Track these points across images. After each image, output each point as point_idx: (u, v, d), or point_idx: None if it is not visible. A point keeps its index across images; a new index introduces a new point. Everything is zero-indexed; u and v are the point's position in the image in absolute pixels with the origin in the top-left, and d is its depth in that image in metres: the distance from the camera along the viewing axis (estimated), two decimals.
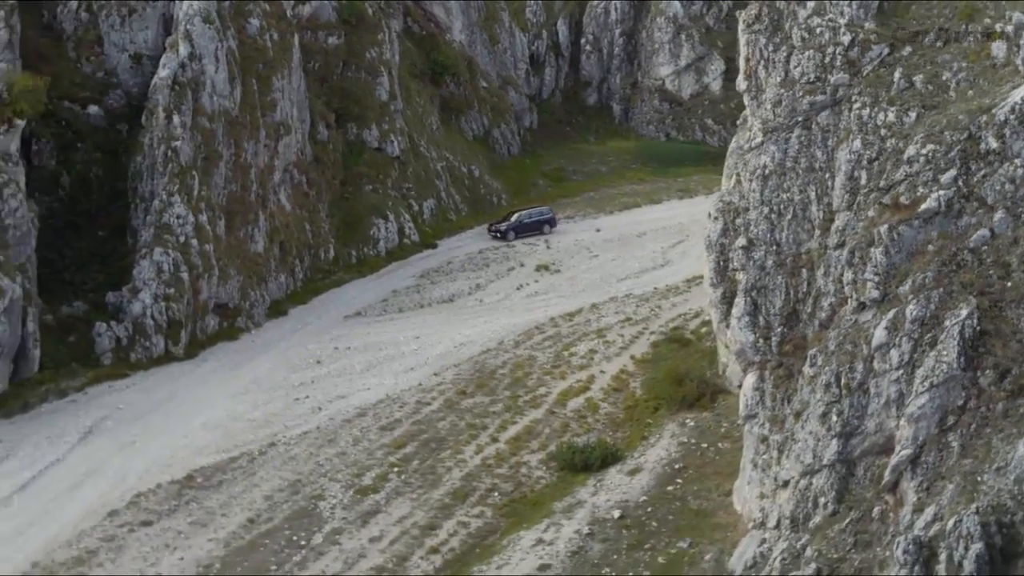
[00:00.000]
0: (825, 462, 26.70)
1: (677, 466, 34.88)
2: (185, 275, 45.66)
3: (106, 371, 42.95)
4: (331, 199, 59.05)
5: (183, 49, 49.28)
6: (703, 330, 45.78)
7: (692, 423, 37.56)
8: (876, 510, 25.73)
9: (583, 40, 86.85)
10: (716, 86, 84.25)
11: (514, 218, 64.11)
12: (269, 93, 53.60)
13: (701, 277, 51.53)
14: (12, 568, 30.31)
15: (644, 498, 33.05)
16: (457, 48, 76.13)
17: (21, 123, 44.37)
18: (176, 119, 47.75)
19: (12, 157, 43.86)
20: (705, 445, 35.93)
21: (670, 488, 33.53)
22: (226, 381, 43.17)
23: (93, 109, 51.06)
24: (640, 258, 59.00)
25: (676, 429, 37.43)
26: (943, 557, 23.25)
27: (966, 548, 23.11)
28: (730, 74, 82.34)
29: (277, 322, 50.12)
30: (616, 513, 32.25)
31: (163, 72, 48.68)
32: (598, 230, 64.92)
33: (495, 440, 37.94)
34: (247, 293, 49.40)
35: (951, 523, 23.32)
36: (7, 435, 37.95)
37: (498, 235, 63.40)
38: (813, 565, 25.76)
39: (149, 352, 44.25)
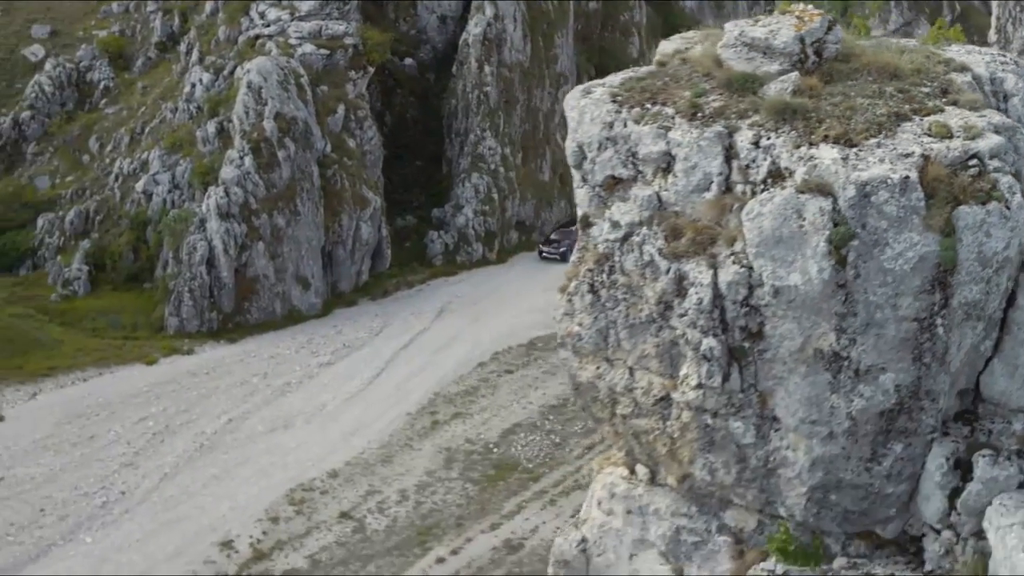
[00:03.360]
0: None
1: None
2: (496, 195, 56.03)
3: (439, 269, 53.76)
4: None
5: (488, 11, 59.40)
6: None
7: None
8: None
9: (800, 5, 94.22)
10: None
11: (566, 237, 54.33)
12: (552, 48, 63.46)
13: None
14: (421, 395, 40.97)
15: None
16: (688, 13, 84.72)
17: (372, 69, 55.27)
18: (487, 69, 58.03)
19: (365, 97, 54.79)
20: None
21: None
22: (534, 279, 53.09)
23: (408, 61, 61.70)
24: None
25: None
26: None
27: None
28: None
29: None
30: None
31: (475, 30, 58.88)
32: None
33: None
34: (539, 213, 59.63)
35: None
36: (380, 311, 48.88)
37: (557, 257, 54.73)
38: None
39: (470, 256, 54.85)
